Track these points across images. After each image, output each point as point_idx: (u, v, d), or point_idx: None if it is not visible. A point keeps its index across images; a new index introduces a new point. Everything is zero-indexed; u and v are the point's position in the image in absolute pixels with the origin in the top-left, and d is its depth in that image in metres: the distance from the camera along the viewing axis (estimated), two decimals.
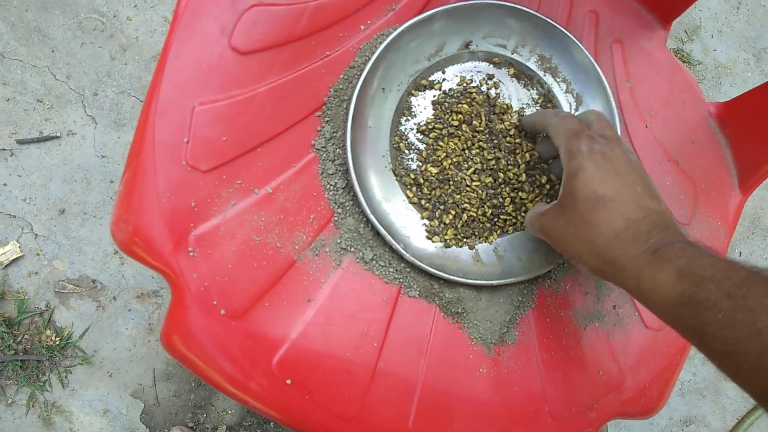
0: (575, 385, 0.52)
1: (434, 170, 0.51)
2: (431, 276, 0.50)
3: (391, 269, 0.49)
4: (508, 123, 0.52)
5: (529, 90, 0.54)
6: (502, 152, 0.52)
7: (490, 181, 0.51)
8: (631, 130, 0.56)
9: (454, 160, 0.51)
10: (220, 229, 0.46)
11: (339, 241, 0.49)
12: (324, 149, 0.49)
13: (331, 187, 0.49)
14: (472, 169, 0.51)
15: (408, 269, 0.50)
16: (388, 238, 0.48)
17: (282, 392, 0.45)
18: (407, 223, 0.51)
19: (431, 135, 0.51)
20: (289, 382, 0.45)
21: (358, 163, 0.49)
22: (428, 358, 0.49)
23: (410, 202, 0.51)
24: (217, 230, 0.46)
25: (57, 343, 0.98)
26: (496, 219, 0.52)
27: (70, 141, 1.03)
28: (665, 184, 0.56)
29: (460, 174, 0.51)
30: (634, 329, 0.54)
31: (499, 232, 0.52)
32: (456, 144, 0.51)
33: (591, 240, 0.38)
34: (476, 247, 0.52)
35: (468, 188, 0.51)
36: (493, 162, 0.51)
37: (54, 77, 1.03)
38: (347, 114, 0.48)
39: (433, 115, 0.52)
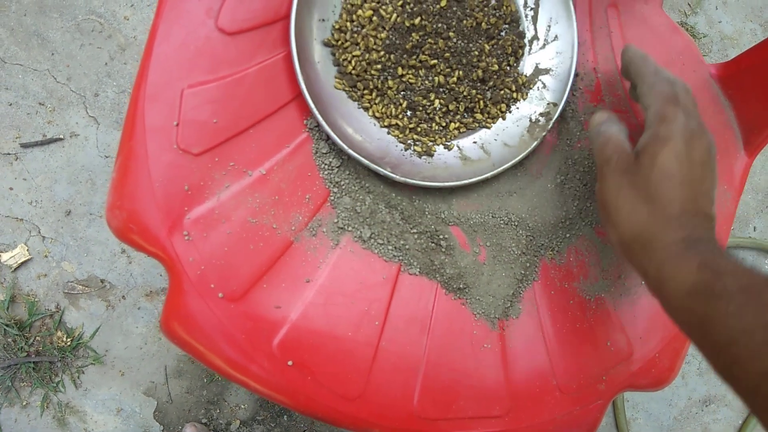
0: (583, 358, 0.51)
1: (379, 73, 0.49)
2: (431, 251, 0.49)
3: (390, 247, 0.49)
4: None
5: None
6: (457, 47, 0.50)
7: (442, 70, 0.50)
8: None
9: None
10: (215, 211, 0.45)
11: (336, 220, 0.48)
12: (317, 128, 0.49)
13: (326, 167, 0.49)
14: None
15: (407, 246, 0.49)
16: (373, 166, 0.47)
17: (284, 374, 0.45)
18: (389, 153, 0.49)
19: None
20: (290, 363, 0.45)
21: (322, 106, 0.47)
22: (431, 335, 0.48)
23: (367, 110, 0.50)
24: (211, 213, 0.45)
25: (68, 344, 0.99)
26: (457, 112, 0.51)
27: (74, 142, 1.04)
28: None
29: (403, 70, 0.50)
30: (641, 299, 0.53)
31: (478, 126, 0.51)
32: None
33: (642, 213, 0.39)
34: (458, 145, 0.51)
35: (416, 83, 0.50)
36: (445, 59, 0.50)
37: (55, 80, 1.04)
38: (291, 52, 0.46)
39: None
